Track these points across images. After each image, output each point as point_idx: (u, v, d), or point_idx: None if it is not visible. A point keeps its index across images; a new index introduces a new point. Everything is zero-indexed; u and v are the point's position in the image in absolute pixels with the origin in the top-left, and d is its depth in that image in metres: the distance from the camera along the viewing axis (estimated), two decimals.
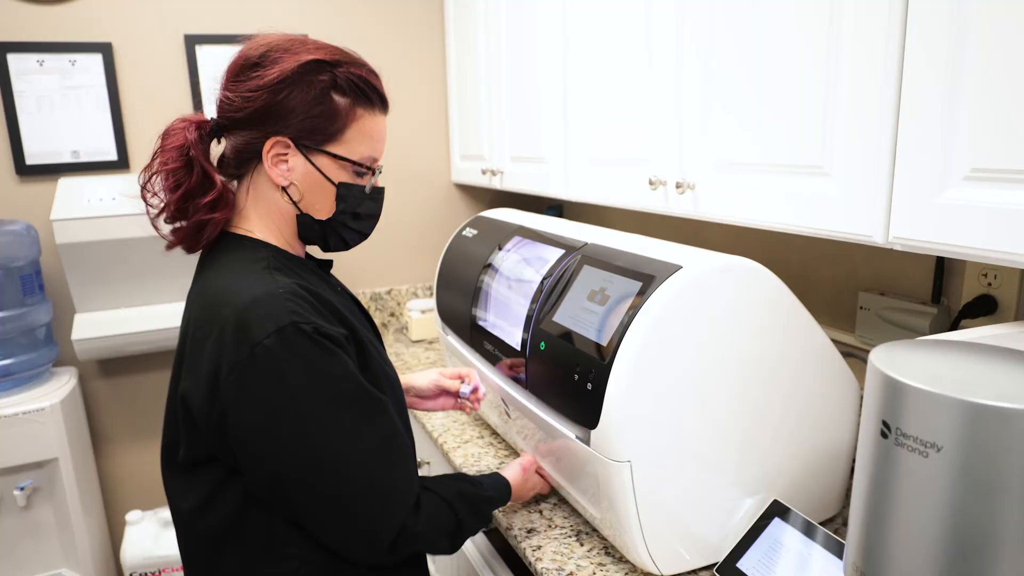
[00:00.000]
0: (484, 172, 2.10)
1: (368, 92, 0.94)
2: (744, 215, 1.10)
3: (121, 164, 2.04)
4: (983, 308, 1.12)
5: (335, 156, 0.93)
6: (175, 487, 0.95)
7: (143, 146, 2.06)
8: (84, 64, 1.97)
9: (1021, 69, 0.70)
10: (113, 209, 1.89)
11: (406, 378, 1.28)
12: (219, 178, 0.92)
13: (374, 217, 1.02)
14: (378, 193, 1.01)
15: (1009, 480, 0.53)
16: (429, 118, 2.40)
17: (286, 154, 0.92)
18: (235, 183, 0.98)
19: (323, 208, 0.96)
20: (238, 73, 0.91)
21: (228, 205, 0.94)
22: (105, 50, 1.97)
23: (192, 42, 2.05)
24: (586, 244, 1.18)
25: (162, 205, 0.93)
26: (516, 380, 1.22)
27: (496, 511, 1.25)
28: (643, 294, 0.95)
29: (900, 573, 0.60)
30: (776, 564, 0.99)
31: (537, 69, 1.72)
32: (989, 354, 0.62)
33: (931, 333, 1.04)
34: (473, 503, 1.01)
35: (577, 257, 1.15)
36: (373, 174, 0.98)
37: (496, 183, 2.06)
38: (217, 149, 0.97)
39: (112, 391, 2.17)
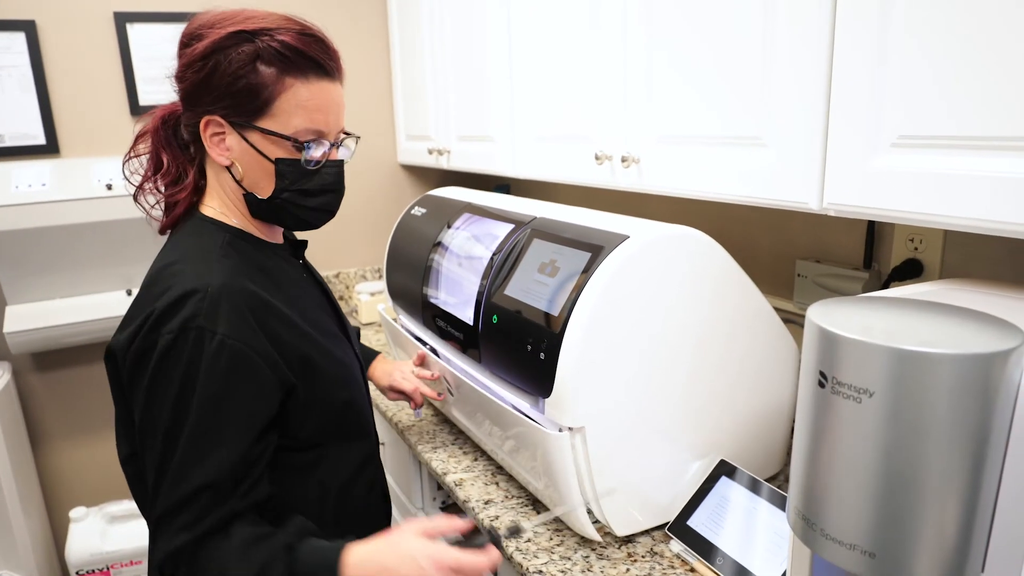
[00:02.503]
0: (431, 152, 2.09)
1: (296, 59, 0.87)
2: (688, 187, 1.14)
3: (50, 148, 1.95)
4: (911, 271, 1.18)
5: (265, 131, 0.89)
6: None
7: (73, 129, 1.97)
8: (5, 43, 1.87)
9: (939, 42, 0.74)
10: (44, 195, 1.81)
11: (386, 364, 1.36)
12: (170, 160, 0.96)
13: (330, 192, 0.96)
14: (330, 166, 0.94)
15: (932, 419, 0.57)
16: (373, 98, 2.37)
17: (222, 132, 0.90)
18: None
19: (265, 186, 0.93)
20: (179, 52, 0.91)
21: (190, 186, 0.96)
22: (28, 28, 1.88)
23: (123, 20, 1.97)
24: (535, 218, 1.20)
25: (141, 182, 0.98)
26: (468, 355, 1.23)
27: (454, 487, 1.26)
28: (592, 264, 0.98)
29: (837, 513, 0.64)
30: (724, 520, 1.03)
31: (482, 44, 1.72)
32: (913, 307, 0.66)
33: None
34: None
35: (527, 231, 1.17)
36: (308, 148, 0.91)
37: (443, 163, 2.05)
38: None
39: (49, 385, 2.09)
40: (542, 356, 0.99)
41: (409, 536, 0.84)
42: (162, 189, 0.98)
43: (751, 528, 1.01)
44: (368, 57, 2.33)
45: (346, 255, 2.43)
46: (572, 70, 1.39)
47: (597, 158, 1.30)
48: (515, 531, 0.90)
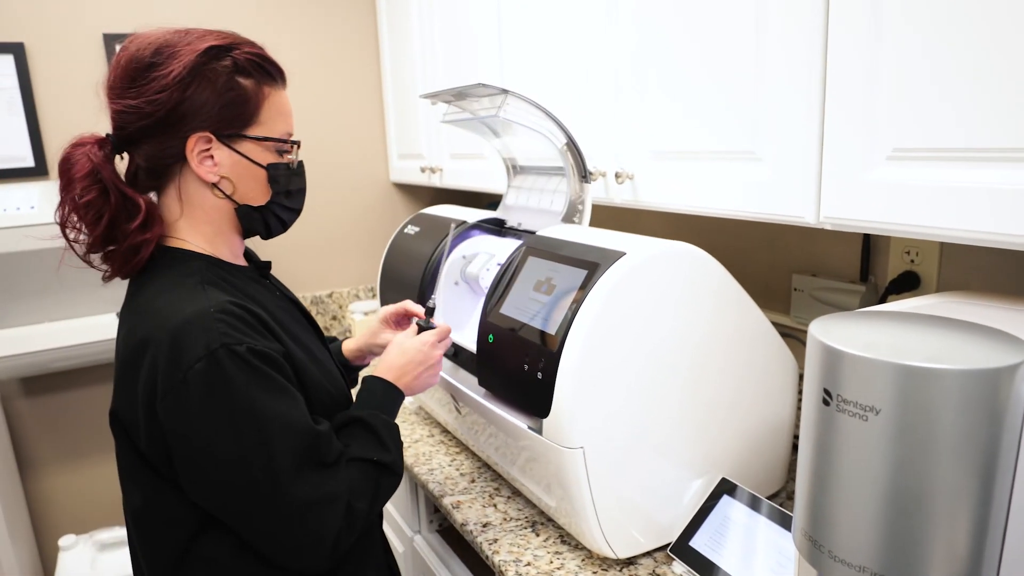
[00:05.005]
0: (423, 170, 2.08)
1: (269, 69, 0.93)
2: (683, 202, 1.13)
3: (39, 171, 1.94)
4: (907, 284, 1.18)
5: (258, 139, 0.92)
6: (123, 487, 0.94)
7: None
8: None
9: (933, 54, 0.74)
10: (32, 218, 1.79)
11: (352, 342, 1.24)
12: (141, 199, 0.88)
13: (303, 192, 1.01)
14: (301, 167, 1.00)
15: (940, 436, 0.56)
16: (365, 117, 2.37)
17: (209, 149, 0.89)
18: (154, 195, 0.94)
19: (258, 194, 0.95)
20: (134, 78, 0.86)
21: (157, 221, 0.90)
22: (17, 50, 1.87)
23: (112, 41, 1.96)
24: (531, 235, 1.19)
25: (88, 240, 0.89)
26: (467, 375, 1.21)
27: (452, 509, 1.24)
28: (588, 281, 0.97)
29: (845, 534, 0.62)
30: (727, 539, 1.02)
31: (473, 61, 1.72)
32: (916, 321, 0.65)
33: None
34: (386, 440, 0.95)
35: (522, 249, 1.16)
36: (292, 148, 0.96)
37: (436, 181, 2.05)
38: (121, 165, 0.92)
39: (37, 410, 2.06)
40: (539, 376, 0.98)
41: (401, 338, 1.09)
42: (122, 235, 0.88)
43: (754, 547, 0.99)
44: (360, 76, 2.33)
45: (339, 274, 2.42)
46: (563, 85, 1.38)
47: (591, 174, 1.30)
48: (430, 312, 1.16)
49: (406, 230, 1.57)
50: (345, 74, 2.31)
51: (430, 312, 1.15)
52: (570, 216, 1.26)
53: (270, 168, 0.93)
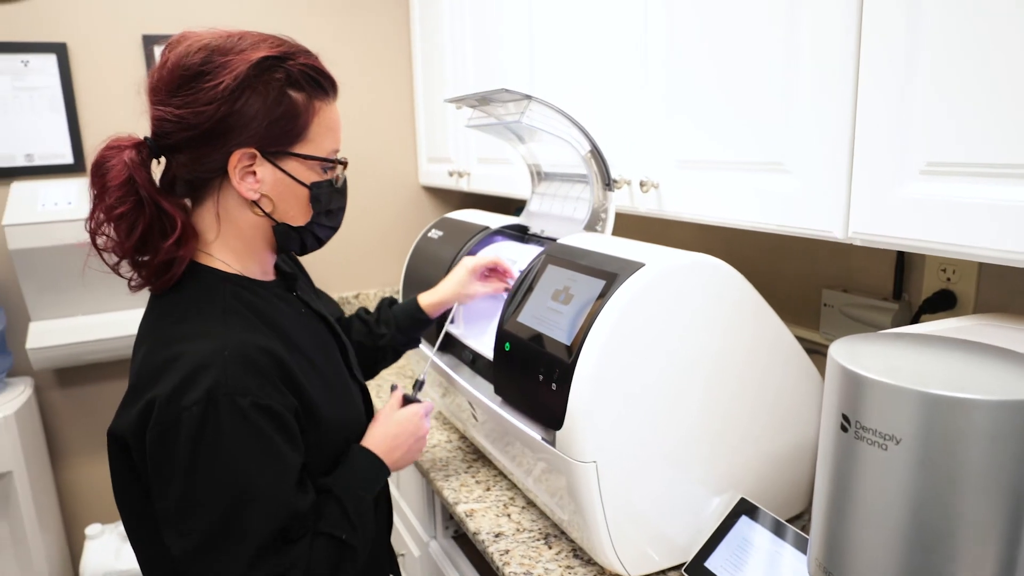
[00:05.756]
0: (451, 174, 2.08)
1: (321, 81, 0.88)
2: (708, 213, 1.10)
3: (77, 167, 1.99)
4: (943, 303, 1.13)
5: (304, 157, 0.87)
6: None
7: None
8: (37, 65, 1.91)
9: (968, 67, 0.71)
10: (69, 213, 1.83)
11: (433, 295, 1.26)
12: (178, 216, 0.84)
13: (343, 209, 0.97)
14: (344, 185, 0.96)
15: (966, 470, 0.53)
16: (397, 121, 2.38)
17: (252, 165, 0.85)
18: (188, 203, 0.90)
19: (299, 213, 0.91)
20: (181, 85, 0.82)
21: (193, 237, 0.86)
22: (60, 50, 1.92)
23: (150, 42, 2.00)
24: (551, 243, 1.17)
25: (118, 251, 0.86)
26: (484, 382, 1.20)
27: (465, 517, 1.23)
28: (606, 292, 0.94)
29: (862, 567, 0.59)
30: (744, 562, 0.98)
31: (502, 69, 1.71)
32: (945, 346, 0.62)
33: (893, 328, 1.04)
34: (355, 520, 0.90)
35: (541, 257, 1.14)
36: (336, 166, 0.92)
37: (463, 185, 2.04)
38: (157, 170, 0.88)
39: (70, 401, 2.11)
40: (554, 387, 0.96)
41: (388, 410, 1.07)
42: (154, 250, 0.85)
43: (771, 571, 0.96)
44: (392, 79, 2.34)
45: (366, 276, 2.43)
46: (590, 93, 1.37)
47: (616, 182, 1.27)
48: (419, 384, 1.21)
49: (430, 234, 1.56)
50: (378, 76, 2.32)
51: (418, 386, 1.20)
52: (592, 224, 1.24)
53: (313, 187, 0.89)
